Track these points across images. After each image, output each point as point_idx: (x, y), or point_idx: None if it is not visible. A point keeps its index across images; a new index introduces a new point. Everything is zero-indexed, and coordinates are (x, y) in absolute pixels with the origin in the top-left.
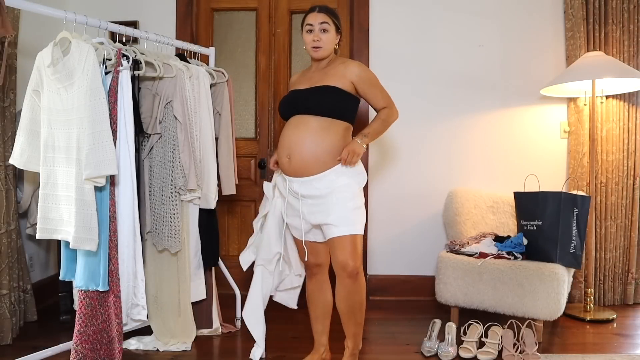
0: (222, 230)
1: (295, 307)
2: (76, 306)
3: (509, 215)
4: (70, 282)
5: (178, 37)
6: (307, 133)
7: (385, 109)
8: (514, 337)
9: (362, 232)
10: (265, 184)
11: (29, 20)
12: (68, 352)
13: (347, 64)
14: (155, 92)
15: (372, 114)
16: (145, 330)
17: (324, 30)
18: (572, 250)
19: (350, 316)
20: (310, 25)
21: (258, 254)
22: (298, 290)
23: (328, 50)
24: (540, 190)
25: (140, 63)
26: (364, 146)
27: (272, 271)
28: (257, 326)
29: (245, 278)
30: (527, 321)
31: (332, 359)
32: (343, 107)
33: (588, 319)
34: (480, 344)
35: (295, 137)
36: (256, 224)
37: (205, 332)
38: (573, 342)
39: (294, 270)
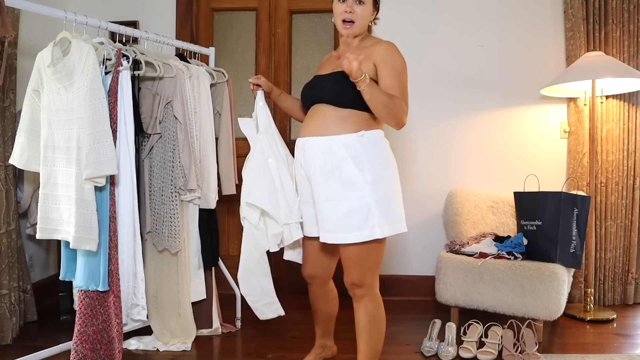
0: (222, 230)
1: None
2: (76, 306)
3: (509, 215)
4: (70, 282)
5: (178, 37)
6: (322, 125)
7: (399, 99)
8: (514, 337)
9: (368, 238)
10: (242, 121)
11: (29, 20)
12: (68, 352)
13: (379, 44)
14: (155, 92)
15: None
16: (145, 330)
17: (360, 2)
18: (572, 250)
19: (359, 334)
20: None
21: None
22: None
23: (361, 27)
24: (540, 190)
25: (140, 63)
26: (363, 85)
27: (256, 223)
28: (256, 287)
29: None
30: (527, 321)
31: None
32: (355, 96)
33: (588, 319)
34: (480, 344)
35: (311, 128)
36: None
37: (205, 332)
38: (573, 342)
39: (292, 217)
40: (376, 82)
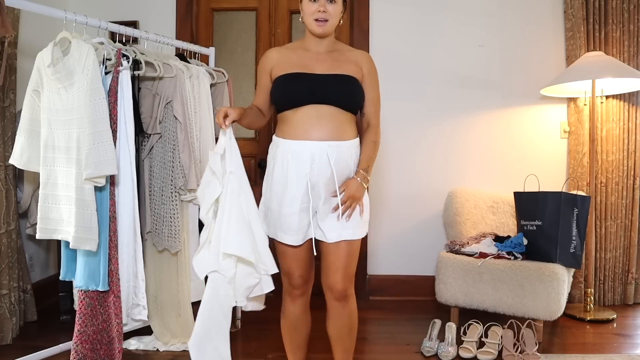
0: None
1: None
2: (76, 306)
3: (509, 215)
4: (70, 282)
5: (178, 37)
6: (337, 128)
7: (373, 128)
8: (514, 337)
9: (363, 236)
10: (212, 155)
11: (29, 20)
12: (68, 352)
13: (358, 52)
14: (155, 92)
15: None
16: (145, 330)
17: (331, 1)
18: (572, 250)
19: (337, 342)
20: None
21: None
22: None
23: (333, 26)
24: (540, 190)
25: (140, 63)
26: (368, 178)
27: (231, 277)
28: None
29: None
30: (527, 321)
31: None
32: (361, 101)
33: (588, 319)
34: (480, 344)
35: (323, 132)
36: (207, 216)
37: None
38: (573, 342)
39: (266, 269)
40: (358, 81)
